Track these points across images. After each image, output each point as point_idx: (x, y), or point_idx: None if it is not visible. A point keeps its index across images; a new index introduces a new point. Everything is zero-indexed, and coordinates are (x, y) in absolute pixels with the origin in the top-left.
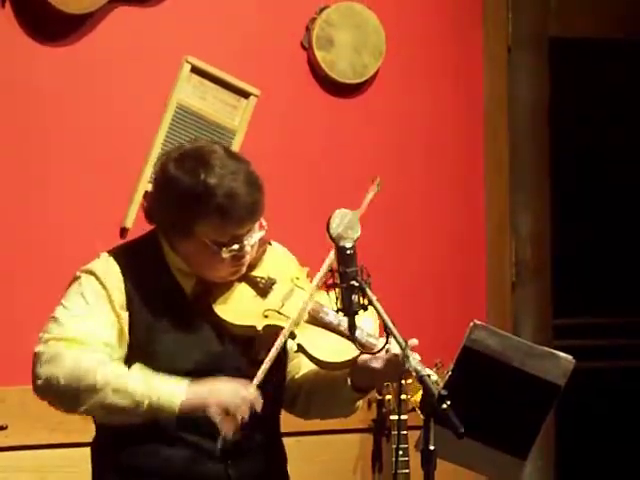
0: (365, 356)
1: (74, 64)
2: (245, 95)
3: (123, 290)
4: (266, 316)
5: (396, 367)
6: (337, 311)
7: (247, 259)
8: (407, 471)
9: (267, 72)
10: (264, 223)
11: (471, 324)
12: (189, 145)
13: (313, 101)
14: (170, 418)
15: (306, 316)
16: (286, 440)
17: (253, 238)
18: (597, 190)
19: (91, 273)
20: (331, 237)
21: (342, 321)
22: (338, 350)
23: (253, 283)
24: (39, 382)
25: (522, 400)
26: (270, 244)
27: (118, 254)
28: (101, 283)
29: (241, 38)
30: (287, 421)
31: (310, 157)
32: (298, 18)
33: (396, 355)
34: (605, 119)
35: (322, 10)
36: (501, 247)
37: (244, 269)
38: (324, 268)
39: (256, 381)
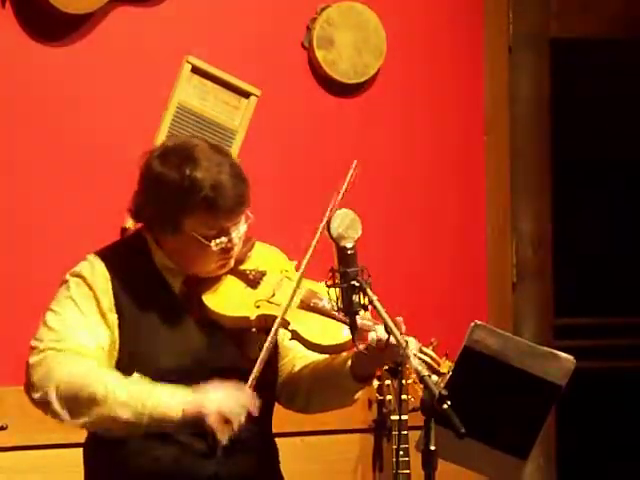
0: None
1: (74, 64)
2: (246, 95)
3: (110, 291)
4: (258, 306)
5: (393, 353)
6: (338, 311)
7: (235, 251)
8: (408, 471)
9: (268, 72)
10: (250, 215)
11: (472, 324)
12: (171, 142)
13: (314, 101)
14: (170, 428)
15: (298, 303)
16: (290, 439)
17: (240, 230)
18: (598, 191)
19: (79, 276)
20: (332, 237)
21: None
22: (333, 333)
23: (242, 276)
24: (36, 395)
25: (523, 400)
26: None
27: (105, 255)
28: (89, 286)
29: (242, 38)
30: (290, 421)
31: (311, 157)
32: (299, 18)
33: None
34: (606, 119)
35: (323, 10)
36: (502, 247)
37: (232, 262)
38: (310, 251)
39: (252, 377)
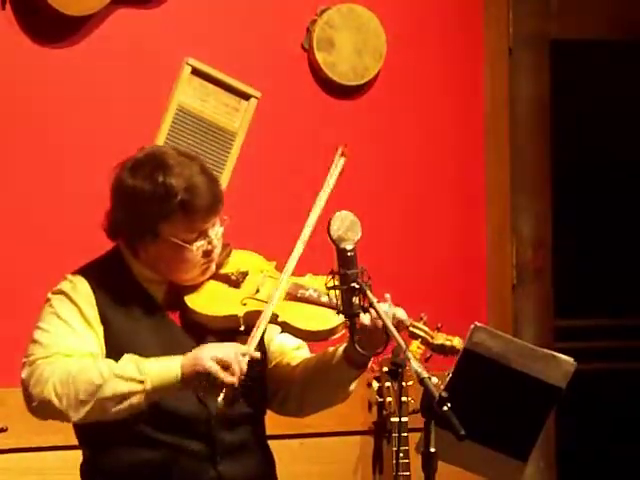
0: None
1: (74, 66)
2: (246, 97)
3: (95, 305)
4: (244, 304)
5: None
6: (338, 313)
7: (215, 254)
8: (408, 473)
9: (268, 74)
10: (225, 217)
11: (472, 326)
12: (140, 153)
13: (314, 103)
14: (172, 391)
15: (285, 295)
16: (289, 442)
17: (218, 231)
18: (598, 192)
19: (61, 293)
20: (332, 239)
21: (322, 294)
22: (323, 318)
23: (224, 278)
24: (34, 404)
25: (523, 402)
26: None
27: (85, 272)
28: (72, 301)
29: (242, 40)
30: (289, 423)
31: (311, 159)
32: (299, 20)
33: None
34: (606, 120)
35: (323, 12)
36: (502, 249)
37: (213, 267)
38: (297, 251)
39: (251, 343)
